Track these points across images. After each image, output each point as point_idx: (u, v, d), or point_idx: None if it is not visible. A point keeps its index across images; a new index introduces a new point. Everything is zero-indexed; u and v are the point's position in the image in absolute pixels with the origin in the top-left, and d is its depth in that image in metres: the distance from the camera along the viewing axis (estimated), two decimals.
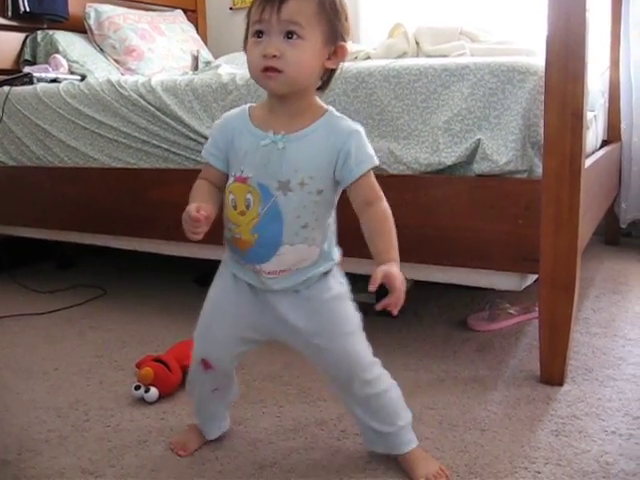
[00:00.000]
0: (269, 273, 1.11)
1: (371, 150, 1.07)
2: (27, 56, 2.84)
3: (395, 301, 1.02)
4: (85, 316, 2.11)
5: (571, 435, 1.27)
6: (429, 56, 2.10)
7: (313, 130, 1.06)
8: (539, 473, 1.15)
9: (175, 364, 1.50)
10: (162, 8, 3.45)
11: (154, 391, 1.45)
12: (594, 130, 2.25)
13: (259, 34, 1.02)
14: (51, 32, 2.83)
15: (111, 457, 1.25)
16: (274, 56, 1.00)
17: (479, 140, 1.51)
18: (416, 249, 1.56)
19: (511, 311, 1.92)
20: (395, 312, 1.02)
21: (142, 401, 1.46)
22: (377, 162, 1.07)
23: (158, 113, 2.00)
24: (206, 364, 1.20)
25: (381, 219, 1.07)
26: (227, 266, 1.19)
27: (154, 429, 1.35)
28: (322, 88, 1.12)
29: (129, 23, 3.03)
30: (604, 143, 2.60)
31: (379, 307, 1.03)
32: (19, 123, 2.38)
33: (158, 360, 1.51)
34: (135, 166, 2.09)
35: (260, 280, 1.12)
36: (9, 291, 2.42)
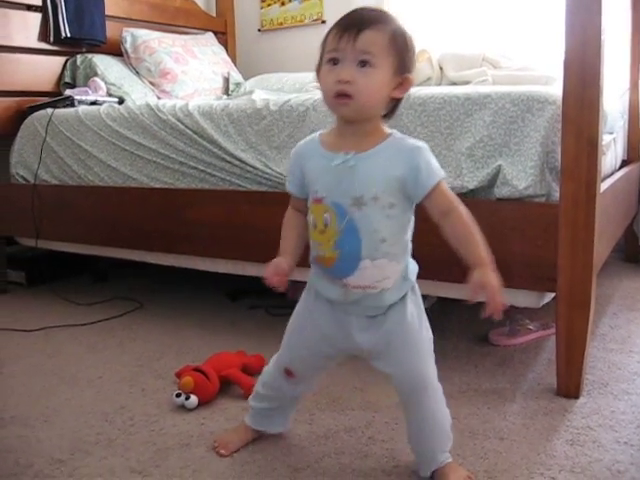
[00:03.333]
0: (354, 287, 1.16)
1: (437, 163, 1.13)
2: (67, 79, 2.97)
3: (492, 308, 1.07)
4: (124, 327, 2.23)
5: (585, 445, 1.35)
6: (452, 82, 2.19)
7: (381, 149, 1.12)
8: (554, 479, 1.23)
9: (213, 374, 1.60)
10: (194, 31, 3.60)
11: (194, 398, 1.55)
12: (613, 151, 2.31)
13: (334, 61, 1.09)
14: (90, 56, 2.96)
15: (157, 458, 1.35)
16: (347, 82, 1.06)
17: (500, 166, 1.59)
18: (440, 267, 1.62)
19: (530, 327, 1.99)
20: (498, 316, 1.07)
21: (183, 408, 1.56)
22: (444, 174, 1.13)
23: (195, 136, 2.11)
24: (289, 373, 1.30)
25: (462, 224, 1.12)
26: (311, 283, 1.26)
27: (195, 433, 1.45)
28: (388, 116, 1.18)
29: (164, 47, 3.16)
30: (624, 163, 2.67)
31: (485, 316, 1.07)
32: (61, 144, 2.50)
33: (197, 370, 1.61)
34: (172, 186, 2.20)
35: (345, 293, 1.17)
36: (52, 303, 2.54)
